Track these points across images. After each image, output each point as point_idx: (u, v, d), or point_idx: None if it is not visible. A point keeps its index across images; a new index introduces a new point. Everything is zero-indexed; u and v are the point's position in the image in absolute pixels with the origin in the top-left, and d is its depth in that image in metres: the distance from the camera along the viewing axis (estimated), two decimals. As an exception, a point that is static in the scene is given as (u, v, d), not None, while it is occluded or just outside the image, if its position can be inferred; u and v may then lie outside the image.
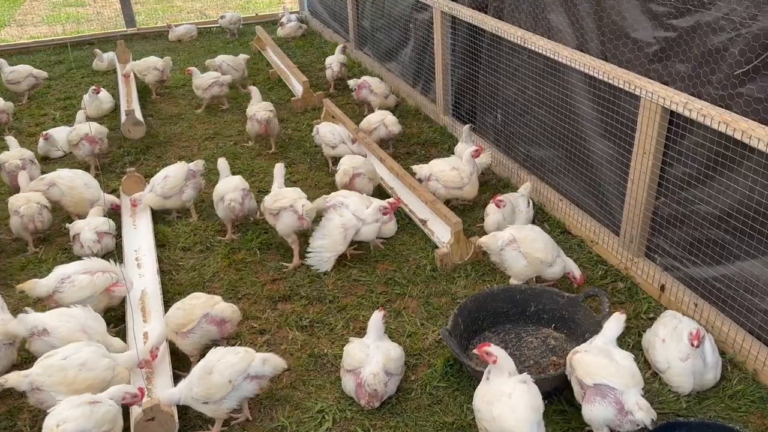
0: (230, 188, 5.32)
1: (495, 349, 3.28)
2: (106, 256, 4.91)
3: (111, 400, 3.31)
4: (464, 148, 6.07)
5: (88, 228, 5.07)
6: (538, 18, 5.29)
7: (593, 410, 3.21)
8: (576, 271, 4.46)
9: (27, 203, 5.29)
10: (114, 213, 5.72)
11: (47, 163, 6.99)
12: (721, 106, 3.65)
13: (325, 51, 10.50)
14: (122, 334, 4.33)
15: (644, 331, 4.03)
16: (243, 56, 9.00)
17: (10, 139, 6.49)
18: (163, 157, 7.13)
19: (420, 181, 5.64)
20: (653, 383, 3.76)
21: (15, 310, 4.16)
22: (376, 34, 9.15)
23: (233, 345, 4.17)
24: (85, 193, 5.61)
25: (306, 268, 5.00)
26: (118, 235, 5.41)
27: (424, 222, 5.42)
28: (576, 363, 3.37)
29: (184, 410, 3.66)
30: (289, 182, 6.29)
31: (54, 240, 5.54)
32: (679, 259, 4.29)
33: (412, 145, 7.08)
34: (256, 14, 13.30)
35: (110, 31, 12.25)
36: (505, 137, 6.16)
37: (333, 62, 8.69)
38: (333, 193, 5.36)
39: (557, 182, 5.47)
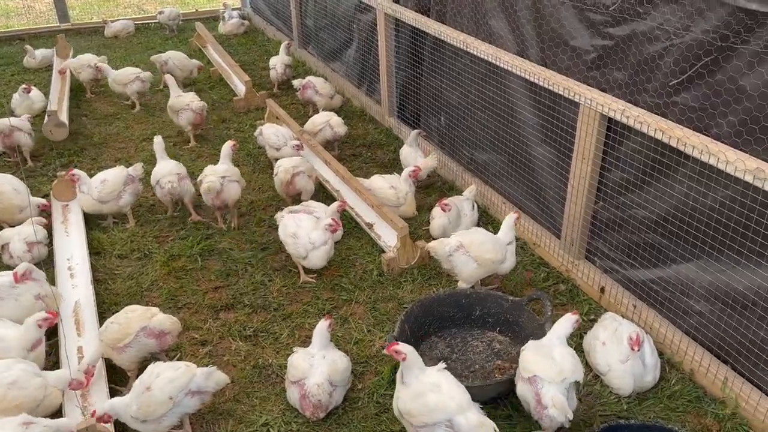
0: (165, 173, 5.52)
1: (403, 347, 3.25)
2: (37, 265, 4.69)
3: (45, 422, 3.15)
4: (409, 152, 6.07)
5: (18, 237, 4.83)
6: (479, 23, 5.32)
7: (520, 388, 3.43)
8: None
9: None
10: (44, 213, 5.46)
11: (-28, 166, 6.64)
12: (657, 114, 3.74)
13: (268, 49, 10.35)
14: (55, 349, 4.14)
15: (585, 333, 4.11)
16: (195, 63, 8.80)
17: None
18: (98, 159, 6.87)
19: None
20: (594, 385, 3.84)
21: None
22: (320, 34, 9.05)
23: (173, 358, 4.06)
24: (14, 199, 5.34)
25: (249, 276, 4.89)
26: (50, 243, 5.17)
27: (370, 226, 5.39)
28: (520, 359, 3.49)
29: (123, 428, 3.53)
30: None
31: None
32: (618, 261, 4.40)
33: (358, 146, 7.03)
34: (196, 10, 13.00)
35: (42, 26, 11.74)
36: (450, 140, 6.19)
37: (277, 63, 8.55)
38: (308, 202, 5.32)
39: (501, 186, 5.53)
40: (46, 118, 7.16)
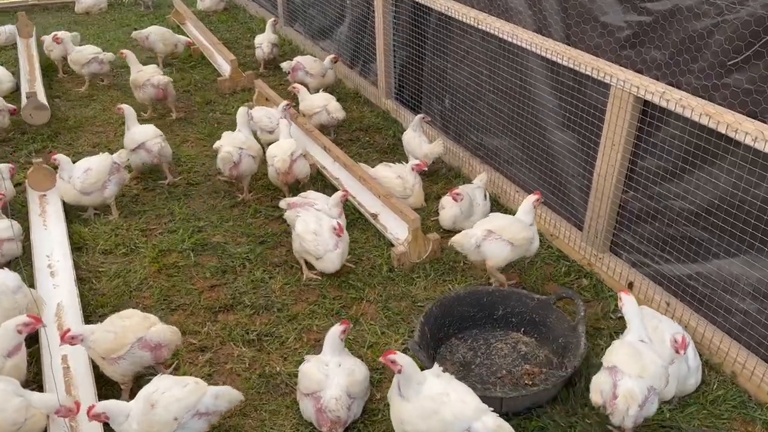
0: (151, 134, 5.46)
1: (400, 357, 2.98)
2: (11, 264, 4.25)
3: None
4: (413, 138, 5.70)
5: (-13, 233, 4.37)
6: (493, -3, 4.95)
7: (597, 378, 3.23)
8: None
9: None
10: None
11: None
12: (703, 97, 3.43)
13: (251, 27, 9.84)
14: (36, 358, 3.72)
15: (616, 333, 3.83)
16: (181, 38, 8.33)
17: None
18: (74, 144, 6.37)
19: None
20: (632, 390, 3.55)
21: None
22: (309, 11, 8.57)
23: (171, 366, 3.68)
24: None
25: (248, 273, 4.51)
26: (26, 238, 4.71)
27: (375, 216, 5.02)
28: (608, 350, 3.29)
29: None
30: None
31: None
32: (649, 255, 4.11)
33: (354, 131, 6.63)
34: (173, -15, 12.31)
35: (7, 1, 11.01)
36: (455, 124, 5.83)
37: (263, 42, 8.07)
38: (306, 193, 4.93)
39: (513, 173, 5.20)
40: (24, 100, 6.62)
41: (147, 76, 6.66)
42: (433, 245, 4.60)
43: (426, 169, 5.22)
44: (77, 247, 4.77)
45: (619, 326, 3.88)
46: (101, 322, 3.55)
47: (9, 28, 9.01)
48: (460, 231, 4.87)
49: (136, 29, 8.54)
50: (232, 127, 6.47)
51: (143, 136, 5.44)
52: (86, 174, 4.93)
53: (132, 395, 3.23)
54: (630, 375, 3.07)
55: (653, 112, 3.76)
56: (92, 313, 4.10)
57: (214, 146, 5.43)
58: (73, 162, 5.06)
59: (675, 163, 3.74)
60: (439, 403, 2.92)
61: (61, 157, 4.98)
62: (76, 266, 4.51)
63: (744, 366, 3.52)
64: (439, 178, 5.70)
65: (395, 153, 6.15)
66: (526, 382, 3.62)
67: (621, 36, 3.88)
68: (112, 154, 5.16)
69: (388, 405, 3.47)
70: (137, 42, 8.23)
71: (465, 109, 5.61)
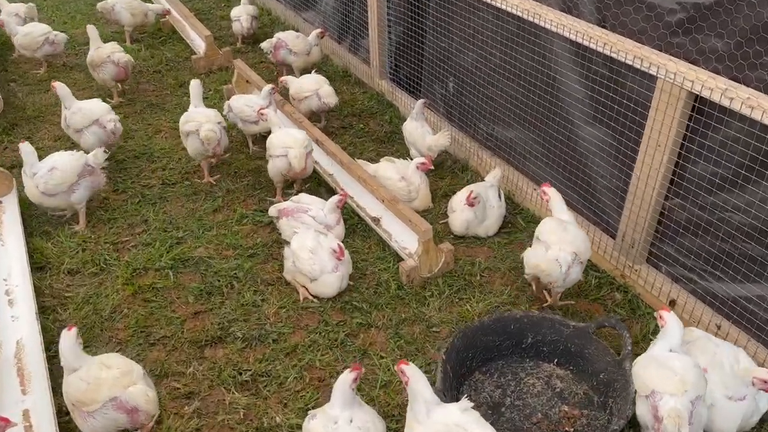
0: (104, 111, 5.06)
1: (409, 369, 2.77)
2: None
3: None
4: (415, 128, 5.10)
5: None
6: (509, -31, 4.32)
7: (639, 410, 2.94)
8: None
9: None
10: None
11: None
12: (776, 96, 2.89)
13: (226, -5, 9.03)
14: (-8, 413, 3.15)
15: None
16: (154, 6, 7.55)
17: None
18: (33, 137, 5.66)
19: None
20: None
21: None
22: (289, -22, 7.82)
23: (152, 418, 3.13)
24: None
25: (237, 295, 3.95)
26: (-22, 258, 4.09)
27: (376, 221, 4.46)
28: (633, 376, 3.02)
29: None
30: (201, 175, 5.11)
31: None
32: (696, 270, 3.62)
33: (346, 116, 6.01)
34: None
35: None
36: (461, 111, 5.24)
37: (242, 14, 7.31)
38: (298, 197, 4.40)
39: (530, 168, 4.65)
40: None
41: (107, 53, 6.01)
42: (446, 257, 4.07)
43: (432, 167, 4.64)
44: (39, 266, 4.16)
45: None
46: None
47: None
48: (472, 236, 4.39)
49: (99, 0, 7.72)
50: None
51: (98, 112, 5.00)
52: (50, 174, 4.29)
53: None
54: (670, 393, 2.80)
55: (710, 111, 3.22)
56: (58, 352, 3.52)
57: (184, 129, 4.85)
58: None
59: (735, 171, 3.22)
60: None
61: (25, 147, 4.33)
62: (38, 291, 3.91)
63: (814, 404, 3.07)
64: (444, 172, 5.13)
65: (393, 142, 5.56)
66: (566, 429, 3.15)
67: (672, 20, 3.30)
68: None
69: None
70: (102, 14, 7.42)
71: (473, 95, 5.01)
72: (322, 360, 3.51)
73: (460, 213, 4.35)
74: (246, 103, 5.35)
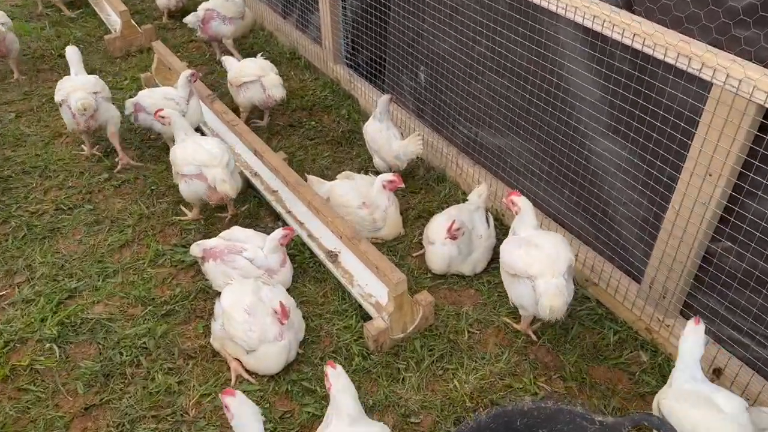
0: None
1: (335, 375, 2.45)
2: None
3: None
4: (379, 130, 4.09)
5: None
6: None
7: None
8: None
9: None
10: None
11: None
12: None
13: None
14: None
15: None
16: None
17: None
18: None
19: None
20: None
21: None
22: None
23: None
24: None
25: (145, 376, 2.93)
26: None
27: (333, 256, 3.49)
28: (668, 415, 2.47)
29: None
30: (111, 186, 4.03)
31: None
32: (749, 333, 2.76)
33: (295, 110, 4.94)
34: None
35: None
36: (435, 108, 4.25)
37: (166, -17, 6.12)
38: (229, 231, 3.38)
39: (524, 185, 3.70)
40: None
41: None
42: (424, 311, 3.13)
43: (402, 185, 3.66)
44: None
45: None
46: None
47: None
48: (455, 274, 3.47)
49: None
50: (121, 106, 4.73)
51: None
52: None
53: None
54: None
55: (792, 133, 2.31)
56: None
57: (57, 99, 4.14)
58: None
59: (826, 216, 2.34)
60: None
61: None
62: None
63: None
64: (416, 184, 4.15)
65: (352, 144, 4.54)
66: None
67: (738, 5, 2.35)
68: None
69: None
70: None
71: (451, 90, 4.02)
72: (261, 477, 2.55)
73: (440, 247, 3.40)
74: (164, 96, 4.25)
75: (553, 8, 2.97)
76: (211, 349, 3.05)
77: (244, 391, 2.84)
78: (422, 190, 4.11)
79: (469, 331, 3.18)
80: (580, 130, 3.19)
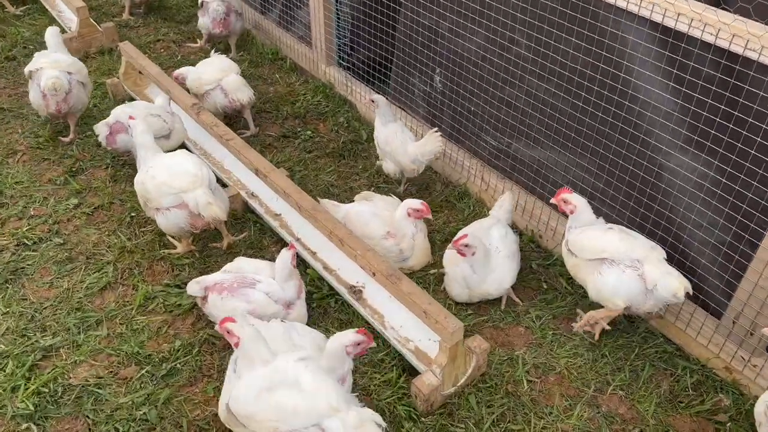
0: None
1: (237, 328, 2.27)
2: None
3: None
4: (392, 133, 3.61)
5: None
6: None
7: None
8: None
9: None
10: None
11: None
12: None
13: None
14: None
15: None
16: None
17: None
18: None
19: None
20: None
21: None
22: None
23: None
24: None
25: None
26: None
27: (357, 292, 3.00)
28: None
29: None
30: (82, 213, 3.43)
31: None
32: None
33: (286, 119, 4.40)
34: None
35: None
36: (454, 115, 3.79)
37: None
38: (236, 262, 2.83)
39: (569, 202, 3.28)
40: None
41: None
42: (477, 360, 2.67)
43: (430, 216, 3.16)
44: None
45: None
46: None
47: None
48: (481, 302, 3.04)
49: None
50: (89, 119, 4.13)
51: None
52: None
53: None
54: None
55: None
56: None
57: (26, 70, 3.89)
58: None
59: None
60: (276, 386, 2.19)
61: None
62: None
63: None
64: (435, 201, 3.67)
65: (356, 156, 4.05)
66: None
67: None
68: None
69: None
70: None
71: (476, 96, 3.56)
72: None
73: (451, 269, 2.97)
74: (150, 113, 3.66)
75: (623, 5, 2.55)
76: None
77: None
78: (444, 208, 3.64)
79: (528, 380, 2.74)
80: (646, 142, 2.78)
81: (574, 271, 2.89)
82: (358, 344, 2.35)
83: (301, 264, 3.17)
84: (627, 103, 2.78)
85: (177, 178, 3.05)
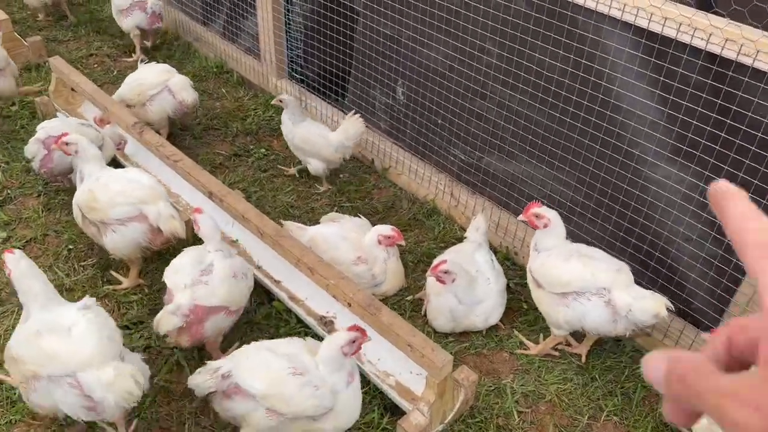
0: None
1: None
2: None
3: None
4: (308, 130, 3.51)
5: None
6: None
7: None
8: None
9: None
10: None
11: None
12: None
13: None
14: None
15: None
16: None
17: None
18: None
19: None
20: None
21: None
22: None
23: None
24: None
25: None
26: None
27: (328, 323, 2.75)
28: None
29: None
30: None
31: None
32: None
33: (237, 136, 4.10)
34: None
35: None
36: (418, 129, 3.59)
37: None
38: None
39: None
40: None
41: None
42: (465, 393, 2.46)
43: (403, 242, 2.95)
44: None
45: None
46: None
47: None
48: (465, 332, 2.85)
49: None
50: (14, 143, 3.74)
51: None
52: None
53: None
54: None
55: None
56: None
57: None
58: None
59: None
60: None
61: None
62: None
63: None
64: (403, 220, 3.46)
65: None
66: None
67: None
68: None
69: None
70: None
71: (443, 108, 3.38)
72: None
73: (435, 298, 2.76)
74: (81, 123, 3.36)
75: (604, 10, 2.42)
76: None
77: None
78: (413, 227, 3.44)
79: (518, 411, 2.55)
80: (632, 154, 2.65)
81: (537, 302, 2.71)
82: (353, 342, 2.14)
83: (265, 294, 2.90)
84: (608, 113, 2.65)
85: (136, 189, 2.78)
